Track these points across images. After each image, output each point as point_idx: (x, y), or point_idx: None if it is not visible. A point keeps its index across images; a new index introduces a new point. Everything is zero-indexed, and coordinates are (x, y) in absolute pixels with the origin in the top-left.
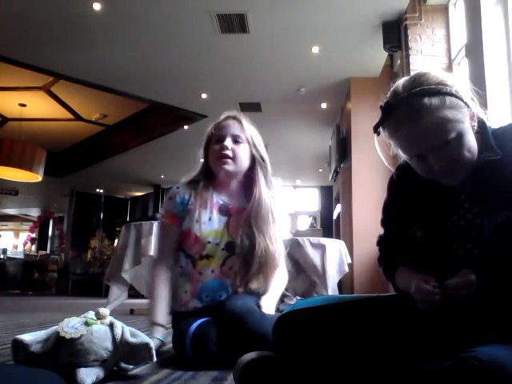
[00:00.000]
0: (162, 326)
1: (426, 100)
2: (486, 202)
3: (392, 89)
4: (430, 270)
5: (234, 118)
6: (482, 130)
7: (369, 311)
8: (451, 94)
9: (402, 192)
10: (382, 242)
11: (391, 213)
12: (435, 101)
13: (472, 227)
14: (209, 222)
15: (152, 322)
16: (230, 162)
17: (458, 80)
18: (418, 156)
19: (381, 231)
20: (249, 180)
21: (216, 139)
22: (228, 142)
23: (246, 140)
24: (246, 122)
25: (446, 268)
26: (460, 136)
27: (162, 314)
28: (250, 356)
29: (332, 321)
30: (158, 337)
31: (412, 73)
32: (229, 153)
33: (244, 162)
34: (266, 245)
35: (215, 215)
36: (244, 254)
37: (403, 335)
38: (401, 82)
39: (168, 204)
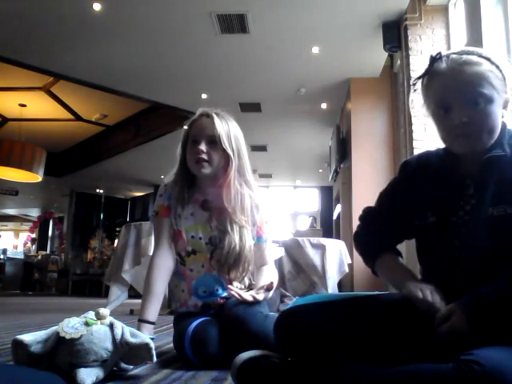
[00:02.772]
0: (152, 323)
1: (476, 57)
2: (486, 196)
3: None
4: (432, 266)
5: (208, 116)
6: (502, 128)
7: (369, 308)
8: (498, 68)
9: (417, 178)
10: (369, 215)
11: (399, 192)
12: (483, 61)
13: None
14: (191, 216)
15: (140, 319)
16: (207, 166)
17: (509, 67)
18: (445, 107)
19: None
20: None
21: (192, 139)
22: (203, 146)
23: (219, 139)
24: (217, 120)
25: (449, 264)
26: (489, 102)
27: (153, 310)
28: (247, 355)
29: (333, 317)
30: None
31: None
32: (204, 156)
33: (220, 162)
34: (230, 241)
35: (197, 210)
36: (220, 248)
37: (403, 333)
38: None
39: (159, 200)
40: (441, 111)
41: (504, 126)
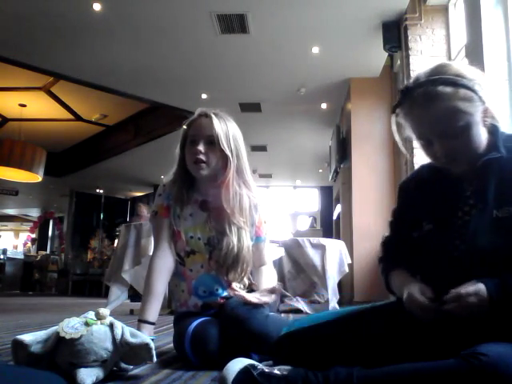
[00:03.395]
0: (152, 323)
1: (441, 88)
2: (488, 198)
3: (415, 75)
4: (432, 267)
5: (206, 116)
6: (493, 132)
7: (366, 324)
8: (466, 87)
9: (412, 192)
10: (386, 241)
11: (400, 214)
12: (449, 90)
13: None
14: (190, 217)
15: (140, 320)
16: (204, 167)
17: (480, 75)
18: (425, 140)
19: (382, 233)
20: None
21: (191, 140)
22: (201, 147)
23: (218, 139)
24: (216, 121)
25: (448, 264)
26: (467, 127)
27: (153, 310)
28: (234, 370)
29: (331, 338)
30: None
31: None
32: (202, 157)
33: (218, 163)
34: (228, 242)
35: (196, 211)
36: (219, 249)
37: (403, 343)
38: (423, 70)
39: (158, 199)
40: (421, 142)
41: (495, 128)
